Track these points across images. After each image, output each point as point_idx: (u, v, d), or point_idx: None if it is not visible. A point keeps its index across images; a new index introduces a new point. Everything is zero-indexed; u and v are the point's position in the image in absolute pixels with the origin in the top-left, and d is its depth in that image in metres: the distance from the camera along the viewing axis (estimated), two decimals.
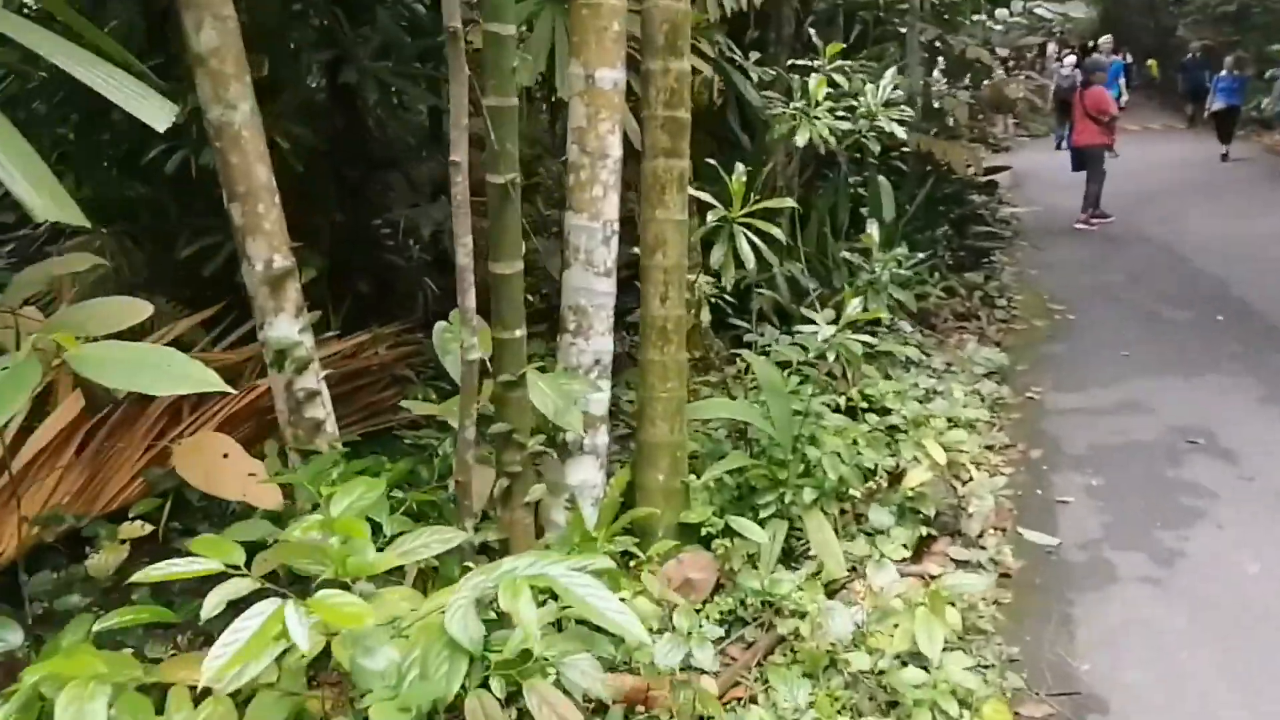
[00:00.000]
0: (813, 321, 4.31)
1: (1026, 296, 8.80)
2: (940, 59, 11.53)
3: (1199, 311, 8.06)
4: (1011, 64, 24.08)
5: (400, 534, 2.50)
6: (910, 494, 4.10)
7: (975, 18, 9.60)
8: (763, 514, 4.02)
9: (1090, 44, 29.32)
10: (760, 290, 6.35)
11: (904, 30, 9.46)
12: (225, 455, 3.22)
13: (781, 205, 4.22)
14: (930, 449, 4.09)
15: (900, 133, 5.35)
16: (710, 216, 4.00)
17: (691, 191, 4.11)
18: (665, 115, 3.75)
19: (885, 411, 5.06)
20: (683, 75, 3.76)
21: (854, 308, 4.19)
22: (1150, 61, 27.11)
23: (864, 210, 6.91)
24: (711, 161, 4.45)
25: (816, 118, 5.07)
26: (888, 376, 5.58)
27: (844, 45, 10.17)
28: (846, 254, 5.93)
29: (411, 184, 6.39)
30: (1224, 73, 16.71)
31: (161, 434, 4.19)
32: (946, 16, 9.63)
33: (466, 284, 2.80)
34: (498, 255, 2.96)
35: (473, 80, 2.73)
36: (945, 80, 12.22)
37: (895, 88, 5.66)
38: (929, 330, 7.40)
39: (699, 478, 3.96)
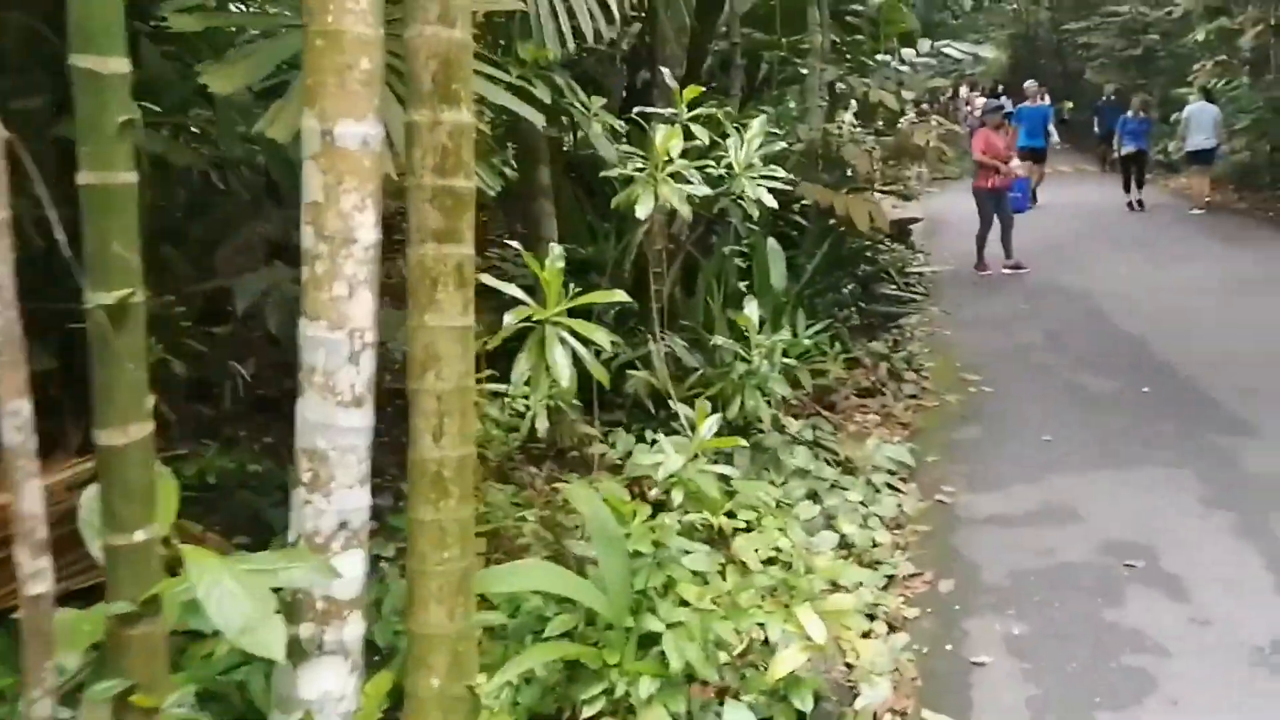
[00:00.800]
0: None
1: (939, 364, 7.96)
2: (853, 103, 10.83)
3: (1123, 380, 7.32)
4: (925, 108, 23.88)
5: None
6: (781, 681, 3.11)
7: (881, 58, 8.86)
8: (586, 711, 3.02)
9: (999, 88, 29.48)
10: (634, 371, 5.37)
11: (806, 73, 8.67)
12: None
13: (609, 300, 3.24)
14: (805, 620, 3.10)
15: (768, 198, 4.41)
16: (510, 317, 2.97)
17: (490, 282, 3.11)
18: (436, 185, 2.74)
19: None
20: (460, 130, 2.75)
21: (710, 428, 3.22)
22: (1068, 104, 27.29)
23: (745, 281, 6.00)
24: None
25: (676, 175, 4.10)
26: (774, 482, 4.61)
27: (743, 90, 9.49)
28: (721, 340, 4.96)
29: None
30: (1130, 114, 16.42)
31: None
32: (850, 57, 8.86)
33: (23, 474, 1.72)
34: (105, 418, 1.91)
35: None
36: (856, 126, 11.52)
37: (776, 138, 4.75)
38: (828, 410, 6.49)
39: (497, 673, 2.92)
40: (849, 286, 8.53)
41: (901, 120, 11.38)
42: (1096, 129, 20.60)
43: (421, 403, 2.80)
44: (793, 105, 8.92)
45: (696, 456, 3.16)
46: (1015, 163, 11.76)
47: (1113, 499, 5.17)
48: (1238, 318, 8.92)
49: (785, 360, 4.89)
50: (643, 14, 7.30)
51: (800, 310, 6.59)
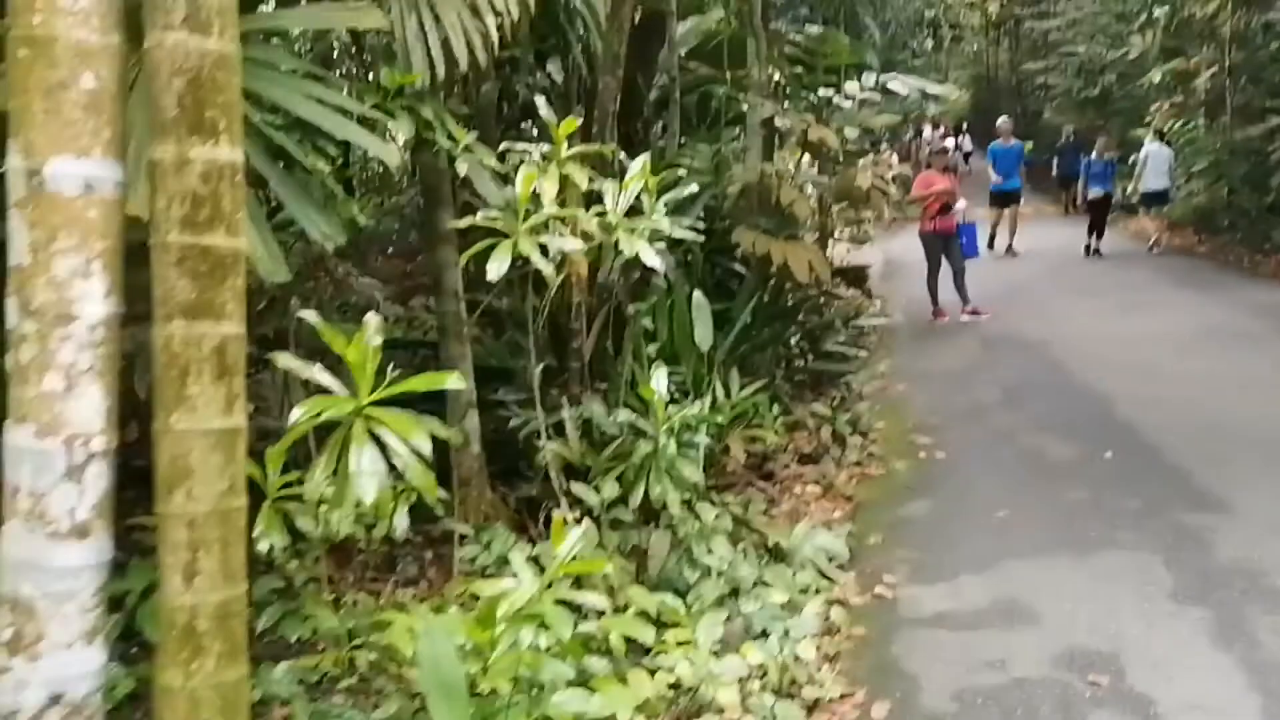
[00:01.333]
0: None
1: (887, 425, 7.37)
2: (796, 141, 10.30)
3: (1084, 445, 6.74)
4: (884, 148, 23.53)
5: None
6: None
7: (823, 93, 8.34)
8: None
9: (963, 126, 29.42)
10: (542, 443, 4.71)
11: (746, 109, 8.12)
12: None
13: (436, 384, 2.58)
14: None
15: (651, 256, 3.78)
16: (298, 411, 2.31)
17: (288, 364, 2.44)
18: (185, 243, 2.08)
19: (660, 664, 3.41)
20: (218, 172, 2.10)
21: (573, 544, 2.56)
22: (1028, 144, 27.24)
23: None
24: None
25: (564, 220, 3.47)
26: (682, 591, 3.94)
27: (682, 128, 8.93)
28: (623, 416, 4.31)
29: None
30: (1095, 156, 16.06)
31: None
32: (788, 92, 8.34)
33: None
34: None
35: None
36: (811, 167, 11.00)
37: (695, 178, 4.13)
38: (765, 480, 5.86)
39: None
40: (795, 338, 7.94)
41: (861, 161, 10.90)
42: (1055, 172, 20.28)
43: (169, 532, 2.11)
44: (735, 144, 8.37)
45: (554, 583, 2.50)
46: (961, 204, 11.32)
47: (1073, 592, 4.55)
48: (1205, 373, 8.41)
49: (700, 438, 4.25)
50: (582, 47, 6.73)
51: (735, 368, 5.99)
